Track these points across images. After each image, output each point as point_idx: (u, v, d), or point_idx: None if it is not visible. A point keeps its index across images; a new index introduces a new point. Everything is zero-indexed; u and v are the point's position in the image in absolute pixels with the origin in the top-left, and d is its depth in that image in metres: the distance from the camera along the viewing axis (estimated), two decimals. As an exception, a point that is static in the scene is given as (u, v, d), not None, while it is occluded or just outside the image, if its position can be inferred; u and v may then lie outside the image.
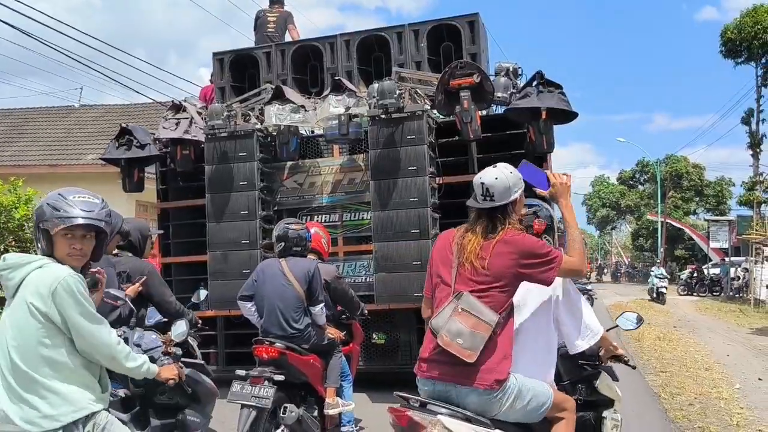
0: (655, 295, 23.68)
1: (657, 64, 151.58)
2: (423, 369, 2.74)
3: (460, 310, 2.60)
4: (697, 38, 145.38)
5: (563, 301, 2.88)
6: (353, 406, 5.13)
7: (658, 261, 31.41)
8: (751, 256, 24.21)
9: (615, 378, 3.33)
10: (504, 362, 2.64)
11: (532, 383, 2.74)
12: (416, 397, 2.70)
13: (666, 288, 23.96)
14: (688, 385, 8.09)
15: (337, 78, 7.71)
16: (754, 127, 26.86)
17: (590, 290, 21.37)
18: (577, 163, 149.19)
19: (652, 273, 25.77)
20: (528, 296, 2.86)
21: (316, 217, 7.86)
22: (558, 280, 2.90)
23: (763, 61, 26.26)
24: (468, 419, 2.57)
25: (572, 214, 2.91)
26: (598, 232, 68.20)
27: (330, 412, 4.78)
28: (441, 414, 2.56)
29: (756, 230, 23.42)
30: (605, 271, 59.17)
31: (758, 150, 27.11)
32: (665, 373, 8.94)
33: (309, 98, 8.06)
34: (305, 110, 7.57)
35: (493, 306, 2.63)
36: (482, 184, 2.74)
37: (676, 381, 8.35)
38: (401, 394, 2.77)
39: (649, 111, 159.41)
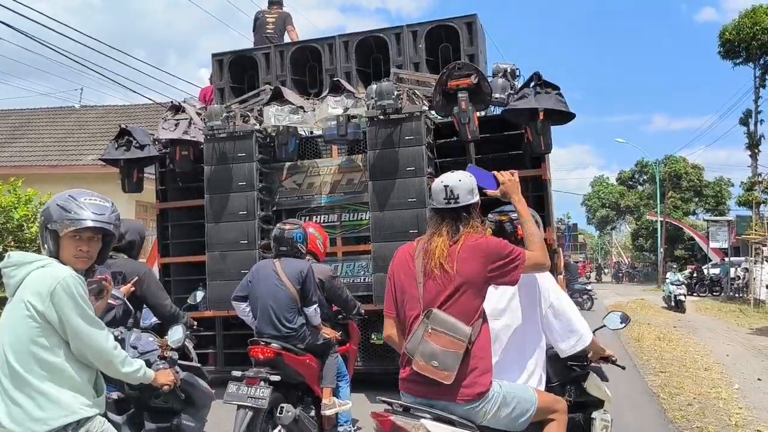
0: (672, 304, 21.02)
1: (656, 65, 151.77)
2: (404, 387, 2.72)
3: (430, 330, 2.56)
4: (697, 39, 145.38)
5: (550, 306, 2.87)
6: (350, 405, 5.13)
7: (675, 266, 28.28)
8: (751, 256, 24.21)
9: (604, 378, 3.31)
10: (484, 376, 2.60)
11: (516, 389, 2.72)
12: (400, 402, 2.67)
13: (685, 295, 21.23)
14: (687, 385, 8.09)
15: (335, 79, 7.73)
16: (752, 127, 26.88)
17: (590, 290, 21.53)
18: (577, 163, 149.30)
19: (667, 279, 23.17)
20: (514, 300, 2.85)
21: (314, 217, 7.88)
22: (545, 284, 2.89)
23: (762, 62, 26.25)
24: (452, 423, 2.55)
25: (526, 209, 2.89)
26: (597, 232, 68.25)
27: (327, 412, 4.78)
28: (425, 418, 2.55)
29: (755, 230, 23.45)
30: (605, 271, 59.17)
31: (757, 150, 27.13)
32: (664, 373, 8.95)
33: (308, 99, 8.08)
34: (304, 111, 7.59)
35: (465, 316, 2.59)
36: (446, 186, 2.73)
37: (675, 381, 8.35)
38: (384, 398, 2.74)
39: (648, 112, 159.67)
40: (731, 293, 26.53)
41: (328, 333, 4.96)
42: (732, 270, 28.02)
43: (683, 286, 21.62)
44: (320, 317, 4.90)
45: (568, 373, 3.25)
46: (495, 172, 2.96)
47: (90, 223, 2.58)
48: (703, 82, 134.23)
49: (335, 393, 4.95)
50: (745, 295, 24.18)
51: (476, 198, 2.77)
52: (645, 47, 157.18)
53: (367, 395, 6.58)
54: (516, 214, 2.99)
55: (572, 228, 49.23)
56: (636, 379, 8.50)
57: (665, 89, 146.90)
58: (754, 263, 23.54)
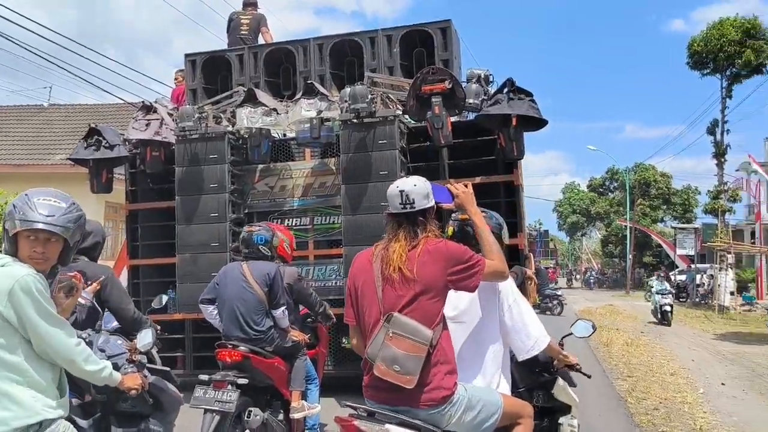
0: (659, 316, 18.68)
1: (629, 74, 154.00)
2: (367, 394, 2.70)
3: (392, 334, 2.54)
4: (667, 49, 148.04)
5: (508, 309, 2.87)
6: (319, 408, 5.12)
7: (661, 273, 25.78)
8: (716, 263, 24.67)
9: (572, 383, 3.33)
10: (448, 377, 2.59)
11: (482, 393, 2.72)
12: (364, 407, 2.66)
13: (671, 306, 18.75)
14: (653, 389, 8.21)
15: (309, 81, 7.70)
16: (718, 137, 27.27)
17: (560, 296, 21.75)
18: (549, 170, 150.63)
19: (652, 289, 20.71)
20: (472, 304, 2.85)
21: (286, 220, 7.84)
22: (504, 289, 2.89)
23: (728, 73, 26.71)
24: (417, 428, 2.54)
25: (482, 220, 2.88)
26: (568, 238, 68.96)
27: (295, 415, 4.76)
28: (389, 423, 2.53)
29: (720, 238, 23.92)
30: (576, 277, 59.81)
31: (723, 160, 27.52)
32: (632, 378, 9.08)
33: (281, 101, 8.05)
34: (277, 113, 7.56)
35: (426, 320, 2.57)
36: (401, 191, 2.72)
37: (642, 386, 8.48)
38: (349, 403, 2.74)
39: (619, 119, 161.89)
40: (697, 299, 26.99)
41: (297, 336, 4.94)
42: (698, 276, 28.53)
43: (669, 295, 19.17)
44: (288, 320, 4.88)
45: (536, 379, 3.27)
46: (449, 185, 2.97)
47: (38, 225, 2.52)
48: (673, 91, 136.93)
49: (304, 396, 4.93)
50: (710, 302, 24.62)
51: (432, 202, 2.77)
52: (617, 57, 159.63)
53: (337, 399, 6.55)
54: (485, 216, 3.00)
55: (543, 234, 49.66)
56: (604, 383, 8.61)
57: (636, 97, 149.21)
58: (719, 270, 24.00)
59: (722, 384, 8.89)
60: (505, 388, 2.89)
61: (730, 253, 23.90)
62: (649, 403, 7.42)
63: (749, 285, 27.05)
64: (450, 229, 3.01)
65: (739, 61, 25.66)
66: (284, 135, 8.39)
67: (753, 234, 29.70)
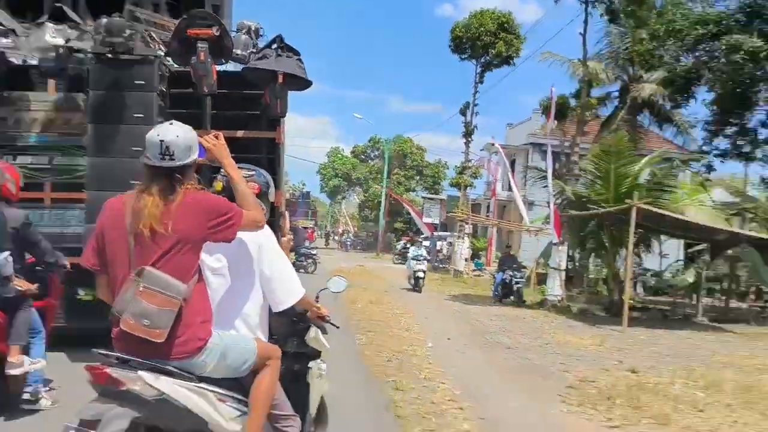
0: (413, 281, 18.52)
1: (399, 49, 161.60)
2: (117, 345, 2.59)
3: (142, 288, 2.47)
4: (436, 31, 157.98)
5: (268, 263, 2.96)
6: (44, 363, 4.74)
7: (419, 238, 26.81)
8: (455, 232, 27.38)
9: (324, 332, 3.55)
10: (202, 327, 2.60)
11: (237, 340, 2.78)
12: (117, 354, 2.55)
13: (424, 272, 18.54)
14: (388, 343, 8.94)
15: (58, 4, 6.90)
16: (468, 118, 30.12)
17: (315, 255, 22.53)
18: (317, 133, 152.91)
19: (409, 255, 20.14)
20: (237, 258, 2.89)
21: (20, 157, 6.99)
22: (265, 243, 2.95)
23: (482, 60, 29.52)
24: (171, 374, 2.52)
25: (236, 172, 2.90)
26: (329, 200, 71.36)
27: (12, 371, 4.37)
28: (142, 370, 2.48)
29: (461, 210, 26.58)
30: (334, 238, 62.26)
31: (470, 139, 30.55)
32: (371, 333, 9.79)
33: (22, 23, 7.11)
34: (16, 35, 6.71)
35: (181, 273, 2.54)
36: (162, 141, 2.60)
37: (380, 340, 9.19)
38: (101, 351, 2.60)
39: (386, 92, 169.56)
40: (437, 264, 29.76)
41: (22, 285, 4.49)
42: (439, 243, 31.45)
43: (424, 262, 19.12)
44: (14, 268, 4.40)
45: (293, 327, 3.42)
46: (199, 138, 2.85)
47: None
48: (438, 71, 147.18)
49: (26, 351, 4.52)
50: (448, 266, 27.33)
51: (194, 156, 2.69)
52: (390, 32, 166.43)
53: (69, 354, 6.14)
54: (253, 173, 3.02)
55: (306, 195, 50.81)
56: (347, 337, 9.12)
57: (405, 72, 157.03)
58: (458, 238, 26.71)
59: (448, 339, 9.98)
60: (262, 336, 2.99)
61: (468, 223, 26.69)
62: (383, 356, 8.06)
63: (481, 253, 30.46)
64: (219, 185, 2.98)
65: (493, 51, 28.51)
66: (24, 61, 7.43)
67: (488, 208, 33.41)
